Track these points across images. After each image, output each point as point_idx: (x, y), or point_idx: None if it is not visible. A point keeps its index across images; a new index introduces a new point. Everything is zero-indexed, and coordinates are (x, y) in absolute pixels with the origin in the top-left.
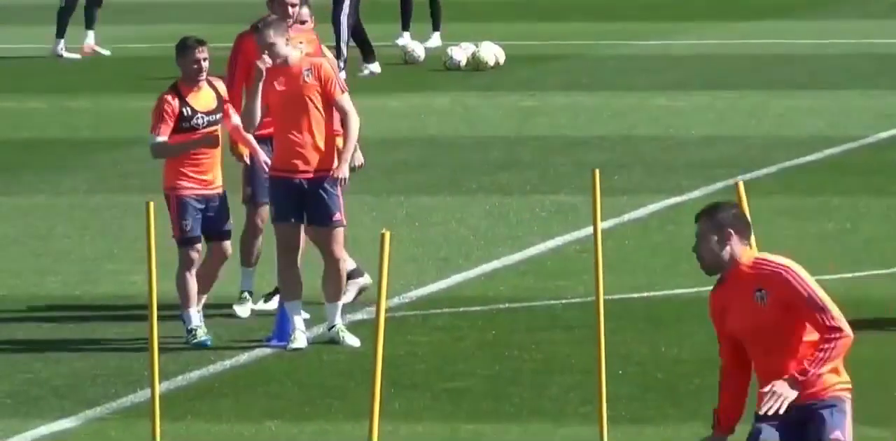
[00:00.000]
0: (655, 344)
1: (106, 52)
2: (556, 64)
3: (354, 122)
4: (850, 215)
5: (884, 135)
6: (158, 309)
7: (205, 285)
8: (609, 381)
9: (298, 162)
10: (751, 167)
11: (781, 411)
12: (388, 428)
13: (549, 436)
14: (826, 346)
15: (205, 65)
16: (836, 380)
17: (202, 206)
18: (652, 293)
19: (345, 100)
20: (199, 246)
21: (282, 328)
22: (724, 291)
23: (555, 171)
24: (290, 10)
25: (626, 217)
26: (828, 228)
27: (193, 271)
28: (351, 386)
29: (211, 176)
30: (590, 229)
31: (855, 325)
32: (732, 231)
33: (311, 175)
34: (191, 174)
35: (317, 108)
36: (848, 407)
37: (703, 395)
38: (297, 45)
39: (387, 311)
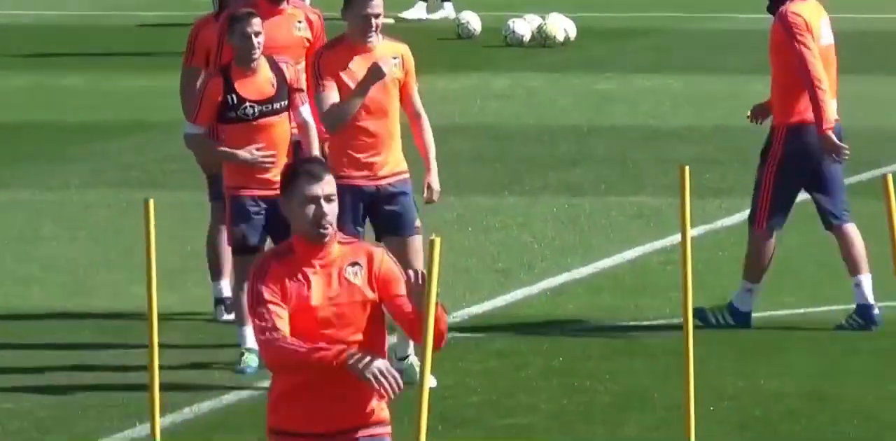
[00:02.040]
0: (753, 375)
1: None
2: (637, 40)
3: (429, 125)
4: None
5: None
6: (161, 326)
7: None
8: (698, 418)
9: (375, 165)
10: (873, 164)
11: None
12: None
13: None
14: None
15: (257, 42)
16: None
17: (264, 210)
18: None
19: (418, 97)
20: (254, 257)
21: None
22: None
23: (635, 168)
24: None
25: (719, 223)
26: None
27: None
28: (391, 421)
29: (275, 174)
30: (676, 237)
31: None
32: None
33: (387, 180)
34: (250, 172)
35: (394, 104)
36: None
37: (808, 436)
38: (295, 24)
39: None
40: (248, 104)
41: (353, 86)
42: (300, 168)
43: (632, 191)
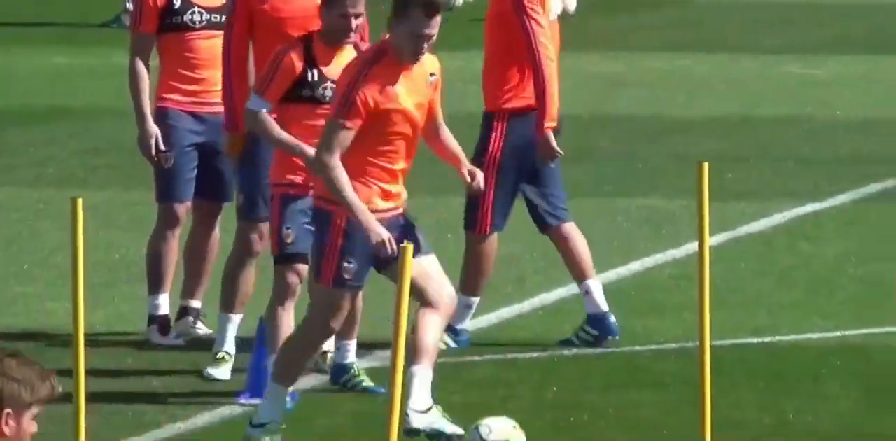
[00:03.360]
0: (781, 409)
1: None
2: (650, 14)
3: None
4: None
5: None
6: (87, 348)
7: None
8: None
9: (399, 195)
10: None
11: None
12: None
13: None
14: None
15: (355, 24)
16: None
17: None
18: (777, 338)
19: (440, 111)
20: (301, 267)
21: (257, 381)
22: None
23: (645, 166)
24: None
25: (742, 230)
26: None
27: (291, 305)
28: None
29: None
30: (692, 247)
31: None
32: None
33: (402, 210)
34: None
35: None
36: None
37: None
38: None
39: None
40: (329, 84)
41: (390, 105)
42: None
43: (641, 192)
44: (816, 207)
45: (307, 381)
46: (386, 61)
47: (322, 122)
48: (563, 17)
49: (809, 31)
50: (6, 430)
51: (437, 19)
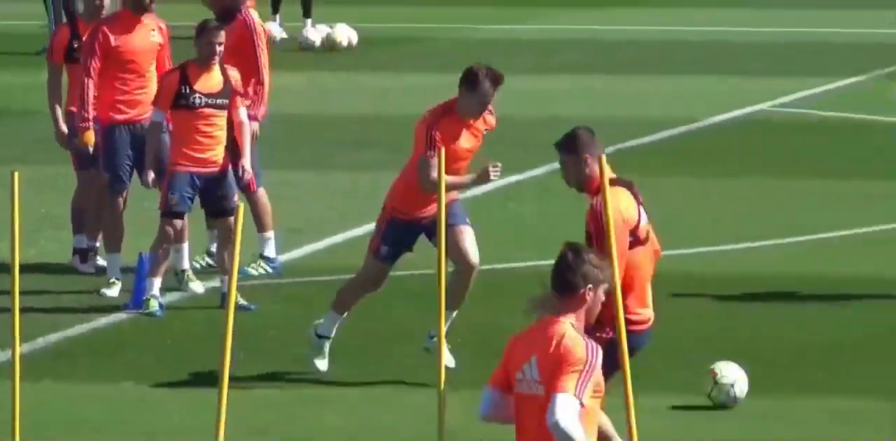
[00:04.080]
0: (494, 313)
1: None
2: (409, 46)
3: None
4: (676, 196)
5: (716, 119)
6: (21, 274)
7: (222, 261)
8: (454, 349)
9: (429, 208)
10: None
11: None
12: (239, 393)
13: (390, 400)
14: None
15: (218, 49)
16: None
17: (198, 185)
18: (493, 266)
19: None
20: (178, 222)
21: (137, 297)
22: None
23: (407, 150)
24: None
25: (469, 194)
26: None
27: (167, 245)
28: (204, 351)
29: (210, 155)
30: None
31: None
32: None
33: (430, 218)
34: (188, 152)
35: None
36: None
37: None
38: (150, 32)
39: (239, 280)
40: (197, 95)
41: (450, 145)
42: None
43: (401, 167)
44: (520, 177)
45: (173, 296)
46: (453, 116)
47: (197, 121)
48: (350, 47)
49: (522, 58)
50: (588, 299)
51: (499, 89)
